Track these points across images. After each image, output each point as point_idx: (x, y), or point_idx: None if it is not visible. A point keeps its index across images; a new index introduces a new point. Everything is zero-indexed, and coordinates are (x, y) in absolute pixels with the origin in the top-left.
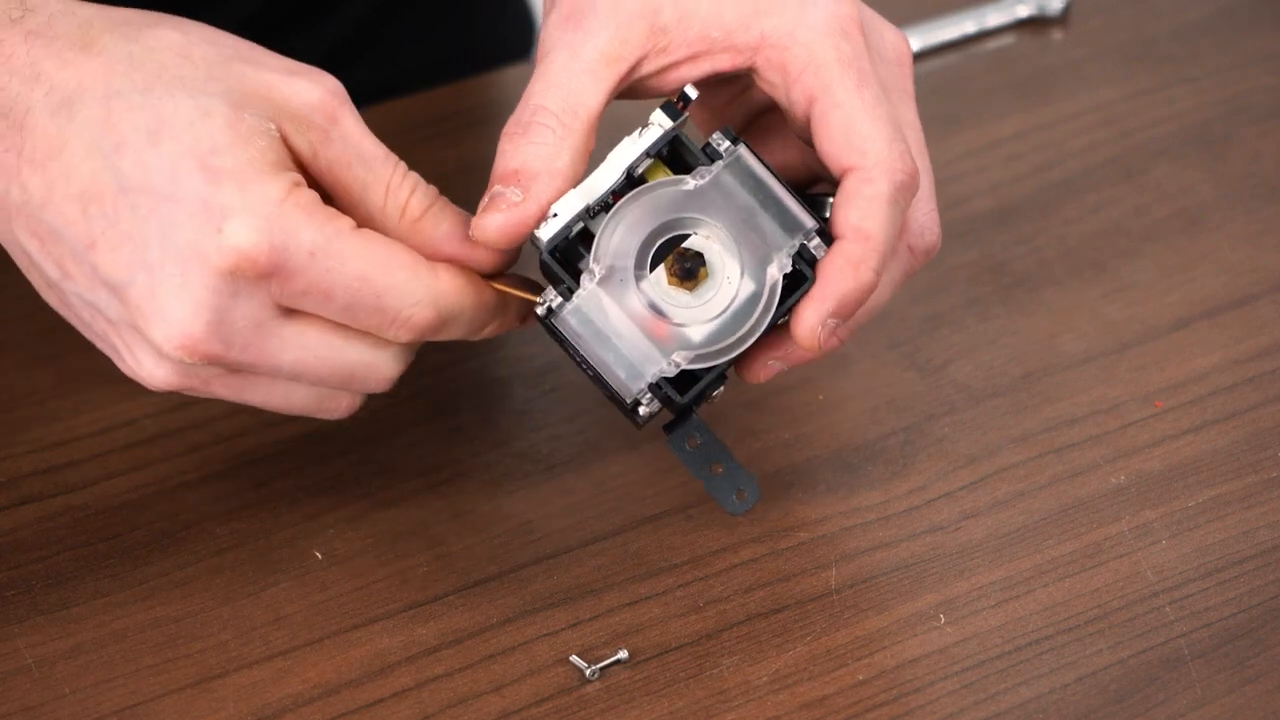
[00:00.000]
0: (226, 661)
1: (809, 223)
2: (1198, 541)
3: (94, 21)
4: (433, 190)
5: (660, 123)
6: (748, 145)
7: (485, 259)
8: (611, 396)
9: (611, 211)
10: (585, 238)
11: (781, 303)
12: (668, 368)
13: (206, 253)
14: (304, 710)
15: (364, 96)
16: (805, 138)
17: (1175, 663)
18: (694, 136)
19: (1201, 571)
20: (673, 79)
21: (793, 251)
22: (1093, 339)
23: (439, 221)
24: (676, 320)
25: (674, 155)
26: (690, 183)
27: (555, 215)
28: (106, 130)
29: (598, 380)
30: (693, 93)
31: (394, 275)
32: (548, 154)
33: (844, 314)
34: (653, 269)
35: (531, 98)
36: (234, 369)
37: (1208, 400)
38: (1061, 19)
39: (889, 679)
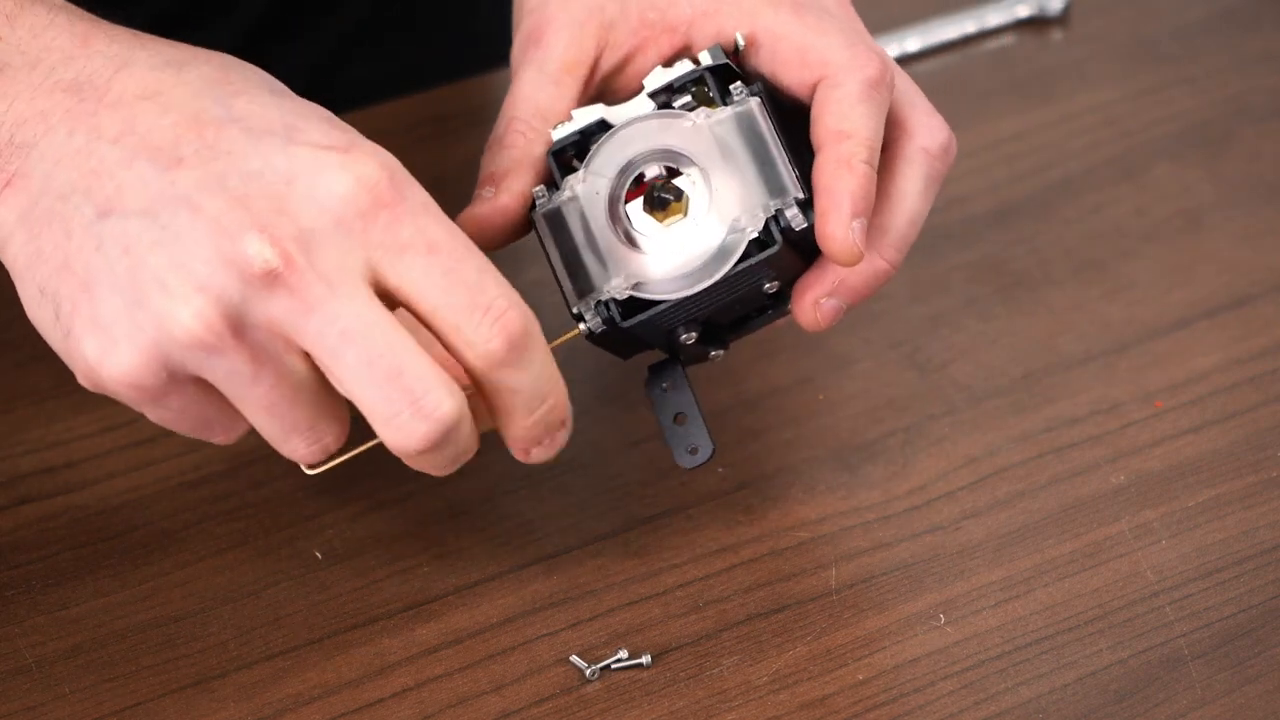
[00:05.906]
0: (226, 661)
1: (793, 191)
2: (1198, 541)
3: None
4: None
5: (699, 59)
6: (764, 101)
7: None
8: (566, 302)
9: (612, 130)
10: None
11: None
12: (616, 289)
13: (326, 165)
14: (304, 710)
15: (364, 96)
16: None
17: (1175, 663)
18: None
19: (1201, 571)
20: (631, 74)
21: (768, 214)
22: (1093, 339)
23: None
24: (645, 249)
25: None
26: (690, 120)
27: (572, 119)
28: (220, 81)
29: (558, 282)
30: (740, 40)
31: (490, 270)
32: (518, 155)
33: (860, 210)
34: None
35: (504, 113)
36: (285, 306)
37: (1208, 400)
38: (1061, 19)
39: (889, 679)
